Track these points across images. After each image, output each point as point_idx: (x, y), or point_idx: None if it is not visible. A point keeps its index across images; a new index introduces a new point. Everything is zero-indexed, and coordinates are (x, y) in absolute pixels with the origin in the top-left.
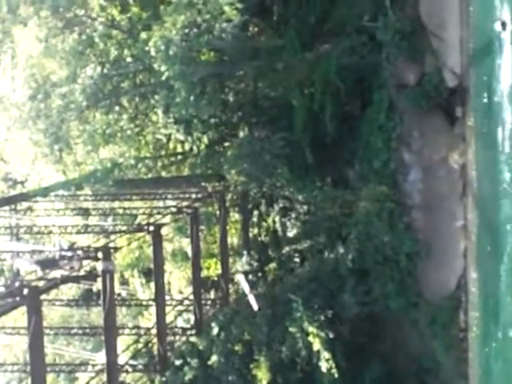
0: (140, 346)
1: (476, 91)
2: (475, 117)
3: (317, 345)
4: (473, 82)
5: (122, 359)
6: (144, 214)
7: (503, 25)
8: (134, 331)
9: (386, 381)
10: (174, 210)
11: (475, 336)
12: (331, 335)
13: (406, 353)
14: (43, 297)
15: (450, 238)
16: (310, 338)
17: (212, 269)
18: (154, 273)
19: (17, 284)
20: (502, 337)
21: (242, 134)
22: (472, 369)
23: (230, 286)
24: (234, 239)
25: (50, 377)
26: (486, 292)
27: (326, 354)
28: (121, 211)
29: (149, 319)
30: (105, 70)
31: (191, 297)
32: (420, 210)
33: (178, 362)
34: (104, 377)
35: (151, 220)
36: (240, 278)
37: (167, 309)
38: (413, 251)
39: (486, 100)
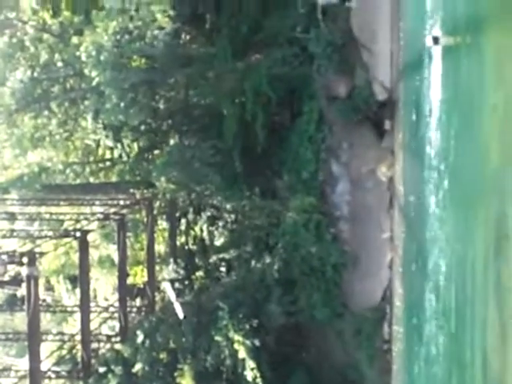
0: (64, 352)
1: (405, 105)
2: (403, 131)
3: (242, 353)
4: (402, 96)
5: (45, 365)
6: (71, 219)
7: (435, 40)
8: (58, 337)
9: None
10: (101, 216)
11: (399, 350)
12: (257, 344)
13: (330, 363)
14: None
15: (376, 249)
16: (236, 346)
17: (138, 276)
18: (79, 279)
19: None
20: (425, 352)
21: (172, 142)
22: (395, 381)
23: (156, 293)
24: (161, 247)
25: None
26: (411, 306)
27: (251, 363)
28: (47, 216)
29: (73, 326)
30: (35, 74)
31: (116, 304)
32: (347, 221)
33: (101, 369)
34: (26, 383)
35: (78, 226)
36: (166, 285)
37: (92, 316)
38: (339, 262)
39: (414, 114)
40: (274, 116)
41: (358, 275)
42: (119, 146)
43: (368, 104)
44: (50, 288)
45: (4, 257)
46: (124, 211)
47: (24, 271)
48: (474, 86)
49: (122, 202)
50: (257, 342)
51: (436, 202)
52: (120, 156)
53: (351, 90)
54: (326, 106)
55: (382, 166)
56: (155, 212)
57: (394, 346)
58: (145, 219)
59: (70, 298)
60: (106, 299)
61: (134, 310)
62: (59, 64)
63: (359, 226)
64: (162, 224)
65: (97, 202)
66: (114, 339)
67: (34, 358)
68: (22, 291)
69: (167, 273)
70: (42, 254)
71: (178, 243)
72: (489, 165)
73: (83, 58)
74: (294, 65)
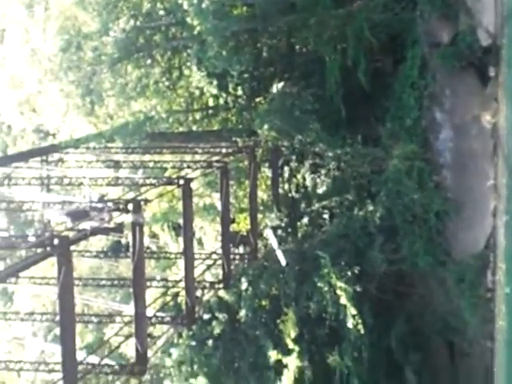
0: (168, 298)
1: (509, 51)
2: (508, 77)
3: (344, 300)
4: (507, 42)
5: (149, 311)
6: (174, 167)
7: None
8: (162, 284)
9: (411, 339)
10: (204, 164)
11: (502, 298)
12: (359, 290)
13: (432, 311)
14: (73, 248)
15: (479, 197)
16: (338, 293)
17: (241, 224)
18: (182, 226)
19: (47, 234)
20: None
21: (274, 89)
22: (498, 330)
23: (259, 241)
24: (264, 195)
25: (78, 327)
26: None
27: (352, 310)
28: (151, 164)
29: (177, 273)
30: (137, 23)
31: (220, 251)
32: (450, 168)
33: (205, 316)
34: (132, 328)
35: (181, 174)
36: (269, 233)
37: (196, 263)
38: (442, 210)
39: None
40: (376, 62)
41: (460, 223)
42: (223, 93)
43: (472, 50)
44: (153, 236)
45: (109, 204)
46: (227, 159)
47: (129, 218)
48: None
49: (224, 150)
50: (358, 289)
51: None
52: (223, 104)
53: (454, 36)
54: (428, 52)
55: (486, 113)
56: (258, 160)
57: (498, 293)
58: (247, 167)
59: (174, 245)
60: (210, 247)
61: (237, 257)
62: (161, 13)
63: (462, 173)
64: (265, 172)
65: (199, 150)
66: (217, 286)
67: (139, 304)
68: (126, 238)
69: (270, 220)
70: (146, 201)
71: (280, 191)
72: None
73: (185, 7)
74: (395, 10)
